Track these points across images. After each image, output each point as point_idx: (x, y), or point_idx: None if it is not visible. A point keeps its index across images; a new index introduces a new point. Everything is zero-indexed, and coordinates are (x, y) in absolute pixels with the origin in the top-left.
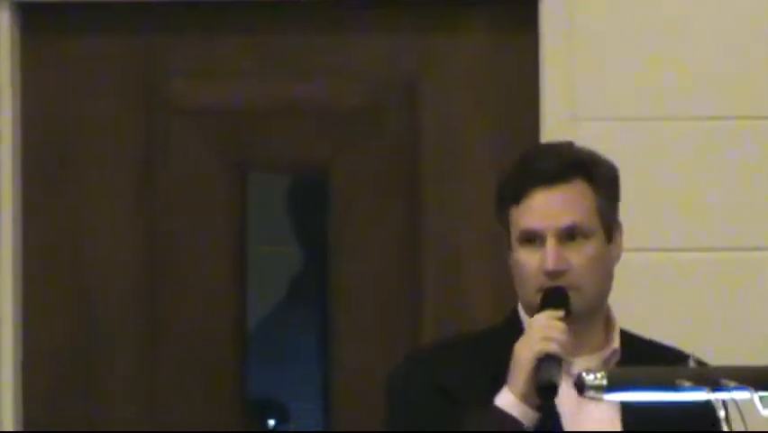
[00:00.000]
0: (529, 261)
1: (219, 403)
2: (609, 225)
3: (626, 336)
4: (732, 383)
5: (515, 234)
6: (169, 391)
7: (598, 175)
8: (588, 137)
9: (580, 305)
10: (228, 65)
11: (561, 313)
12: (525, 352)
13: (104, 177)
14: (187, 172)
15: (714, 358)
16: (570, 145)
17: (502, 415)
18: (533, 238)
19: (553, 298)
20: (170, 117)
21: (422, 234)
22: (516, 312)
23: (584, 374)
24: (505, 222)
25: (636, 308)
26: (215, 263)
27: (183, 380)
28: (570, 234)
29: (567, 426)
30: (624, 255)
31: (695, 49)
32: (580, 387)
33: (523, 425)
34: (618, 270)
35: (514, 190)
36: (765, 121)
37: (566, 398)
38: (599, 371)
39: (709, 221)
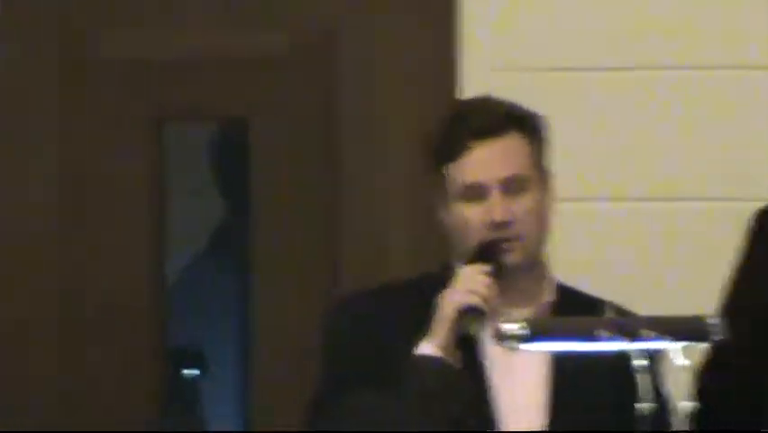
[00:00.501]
0: (472, 215)
1: (137, 353)
2: (545, 176)
3: (562, 289)
4: (651, 334)
5: (455, 189)
6: (85, 341)
7: (530, 127)
8: (505, 87)
9: (522, 256)
10: (144, 15)
11: (488, 267)
12: (448, 303)
13: (18, 129)
14: (104, 124)
15: (644, 309)
16: (496, 100)
17: (423, 360)
18: (474, 193)
19: (486, 252)
20: (86, 68)
21: (342, 183)
22: (449, 264)
23: (503, 324)
24: (440, 179)
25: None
26: (133, 214)
27: (99, 329)
28: (512, 186)
29: (494, 378)
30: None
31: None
32: (500, 337)
33: (447, 361)
34: None
35: (451, 147)
36: (679, 71)
37: (495, 350)
38: (518, 321)
39: (623, 170)
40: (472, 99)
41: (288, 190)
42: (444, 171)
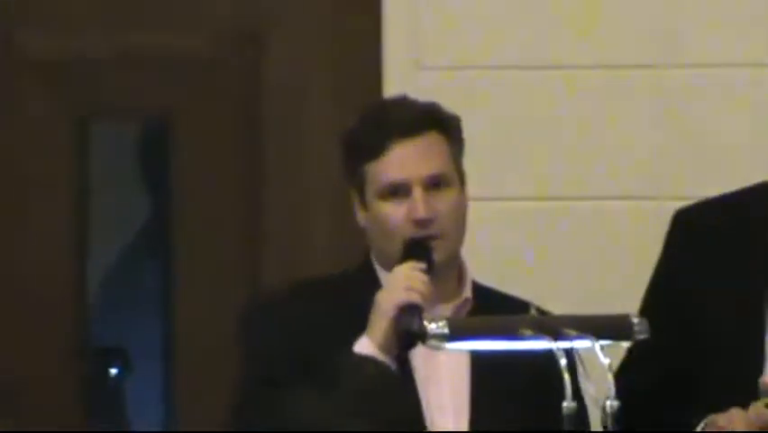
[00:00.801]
0: (394, 213)
1: (61, 352)
2: (461, 175)
3: (477, 287)
4: (573, 332)
5: (375, 188)
6: (8, 339)
7: (449, 126)
8: (430, 86)
9: (444, 254)
10: (70, 14)
11: (423, 265)
12: (387, 301)
13: None
14: (29, 123)
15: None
16: (412, 99)
17: (363, 358)
18: (397, 190)
19: (416, 249)
20: (11, 68)
21: (264, 182)
22: (369, 263)
23: (426, 323)
24: (359, 178)
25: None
26: (58, 212)
27: (23, 328)
28: (434, 183)
29: (419, 376)
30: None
31: None
32: (422, 336)
33: (385, 364)
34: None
35: (370, 145)
36: (605, 70)
37: (419, 348)
38: (441, 320)
39: (552, 170)
40: (390, 98)
41: (210, 189)
42: (364, 170)
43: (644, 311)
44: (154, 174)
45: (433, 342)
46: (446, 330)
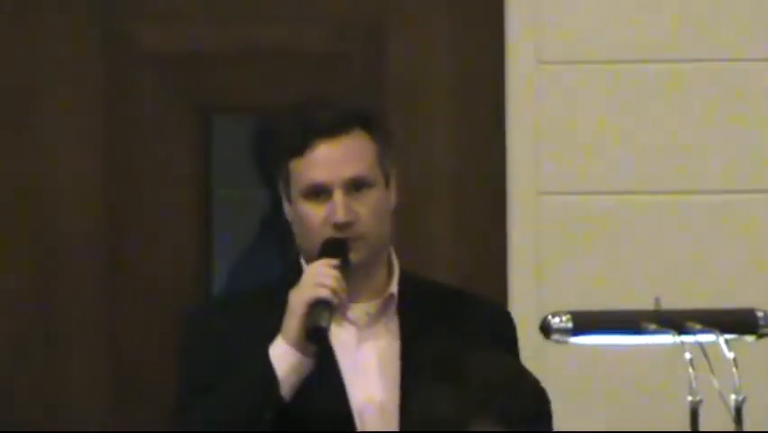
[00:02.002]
0: (314, 213)
1: None
2: (387, 174)
3: (407, 279)
4: (698, 326)
5: (298, 186)
6: (132, 338)
7: (375, 125)
8: (553, 81)
9: (365, 252)
10: (191, 8)
11: (336, 261)
12: (298, 299)
13: (65, 123)
14: (150, 117)
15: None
16: (340, 99)
17: (267, 368)
18: (318, 192)
19: (332, 247)
20: (132, 62)
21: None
22: (297, 263)
23: (550, 317)
24: (284, 175)
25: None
26: (180, 208)
27: (147, 327)
28: (355, 185)
29: (345, 370)
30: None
31: None
32: (546, 330)
33: (278, 384)
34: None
35: (294, 143)
36: (745, 63)
37: (345, 343)
38: (564, 314)
39: (673, 163)
40: (316, 97)
41: None
42: (289, 166)
43: None
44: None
45: (556, 336)
46: (570, 324)
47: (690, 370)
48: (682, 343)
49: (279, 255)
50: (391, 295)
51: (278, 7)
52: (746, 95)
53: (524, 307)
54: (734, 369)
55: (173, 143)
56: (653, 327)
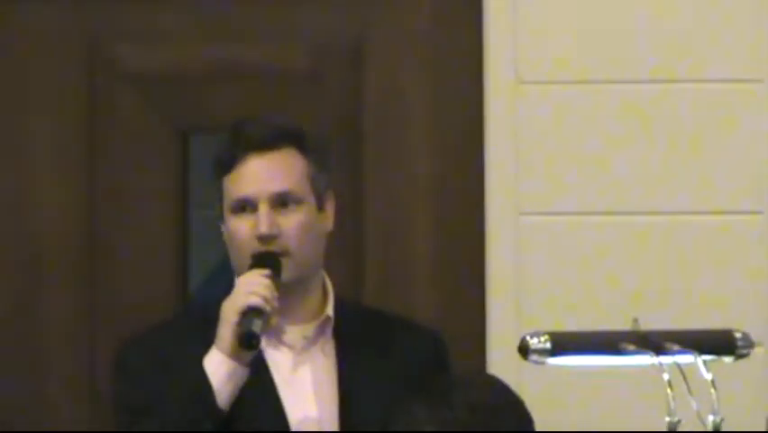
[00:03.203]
0: (242, 227)
1: None
2: (321, 195)
3: (342, 304)
4: (676, 347)
5: (227, 202)
6: (111, 354)
7: (308, 144)
8: (532, 101)
9: (291, 271)
10: (170, 28)
11: (267, 271)
12: (230, 308)
13: (46, 141)
14: (130, 137)
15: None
16: (279, 117)
17: (202, 378)
18: (245, 206)
19: (262, 259)
20: (112, 82)
21: (364, 196)
22: (231, 283)
23: (528, 338)
24: (219, 191)
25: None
26: (158, 226)
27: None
28: (281, 201)
29: (282, 389)
30: (575, 219)
31: (643, 11)
32: (524, 351)
33: (214, 394)
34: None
35: (225, 159)
36: (715, 84)
37: (281, 364)
38: (543, 335)
39: (652, 184)
40: (253, 116)
41: None
42: (222, 183)
43: None
44: None
45: (534, 357)
46: (548, 345)
47: (669, 391)
48: (661, 364)
49: None
50: (327, 317)
51: (256, 27)
52: (728, 116)
53: (502, 327)
54: (712, 390)
55: (152, 162)
56: (631, 347)
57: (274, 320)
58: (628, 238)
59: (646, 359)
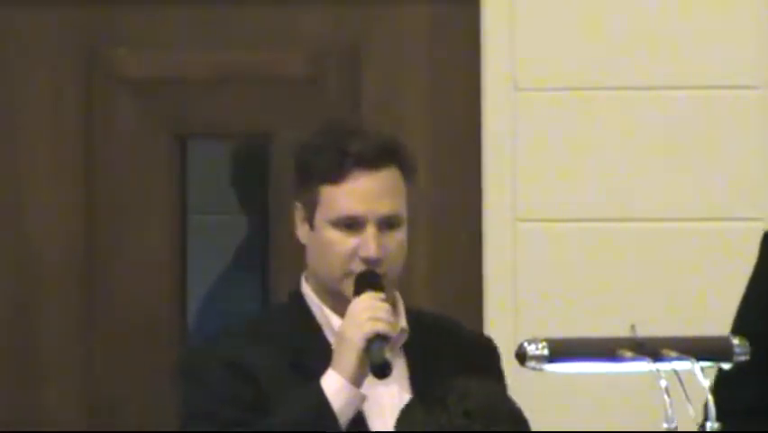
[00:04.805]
0: (342, 243)
1: (160, 372)
2: (407, 212)
3: (413, 314)
4: (673, 353)
5: (328, 214)
6: (109, 360)
7: (406, 163)
8: (530, 108)
9: (386, 289)
10: (167, 34)
11: (382, 295)
12: (355, 333)
13: (43, 147)
14: (128, 141)
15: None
16: (376, 130)
17: (324, 403)
18: (351, 223)
19: (370, 280)
20: (111, 86)
21: None
22: (298, 292)
23: (525, 344)
24: (311, 197)
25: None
26: (156, 232)
27: (123, 348)
28: (387, 223)
29: (368, 405)
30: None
31: (638, 18)
32: (522, 357)
33: (337, 421)
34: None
35: (331, 169)
36: (718, 90)
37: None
38: (540, 341)
39: (649, 191)
40: (350, 122)
41: None
42: (319, 190)
43: (740, 328)
44: (253, 192)
45: (532, 363)
46: (546, 352)
47: (666, 397)
48: (658, 370)
49: (254, 284)
50: (402, 330)
51: (254, 32)
52: (725, 123)
53: (500, 333)
54: (709, 396)
55: (149, 168)
56: (628, 354)
57: None
58: (625, 244)
59: (644, 365)
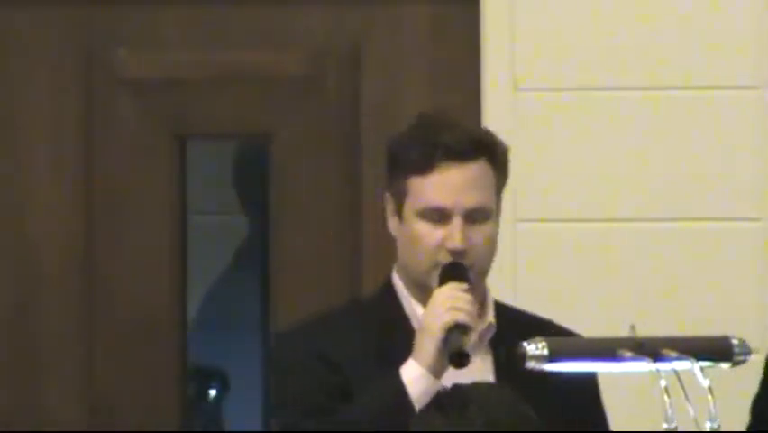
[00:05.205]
0: (429, 235)
1: (160, 372)
2: (499, 206)
3: (501, 309)
4: (673, 353)
5: (415, 205)
6: (109, 361)
7: (498, 155)
8: (529, 108)
9: (472, 281)
10: (167, 34)
11: (465, 285)
12: (434, 323)
13: (43, 147)
14: (128, 141)
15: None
16: (466, 124)
17: (401, 391)
18: (437, 215)
19: (456, 271)
20: (111, 86)
21: (363, 202)
22: (389, 284)
23: (525, 344)
24: (400, 188)
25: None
26: (156, 232)
27: (123, 349)
28: (474, 216)
29: None
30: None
31: (638, 19)
32: (522, 357)
33: (413, 410)
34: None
35: (421, 160)
36: (711, 91)
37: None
38: (540, 341)
39: (648, 191)
40: (441, 115)
41: (308, 207)
42: (408, 182)
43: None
44: (253, 192)
45: (532, 363)
46: (546, 352)
47: (666, 397)
48: (658, 370)
49: (254, 285)
50: (489, 324)
51: (254, 32)
52: (725, 123)
53: None
54: (709, 396)
55: (150, 167)
56: (628, 354)
57: None
58: (625, 245)
59: (644, 366)
